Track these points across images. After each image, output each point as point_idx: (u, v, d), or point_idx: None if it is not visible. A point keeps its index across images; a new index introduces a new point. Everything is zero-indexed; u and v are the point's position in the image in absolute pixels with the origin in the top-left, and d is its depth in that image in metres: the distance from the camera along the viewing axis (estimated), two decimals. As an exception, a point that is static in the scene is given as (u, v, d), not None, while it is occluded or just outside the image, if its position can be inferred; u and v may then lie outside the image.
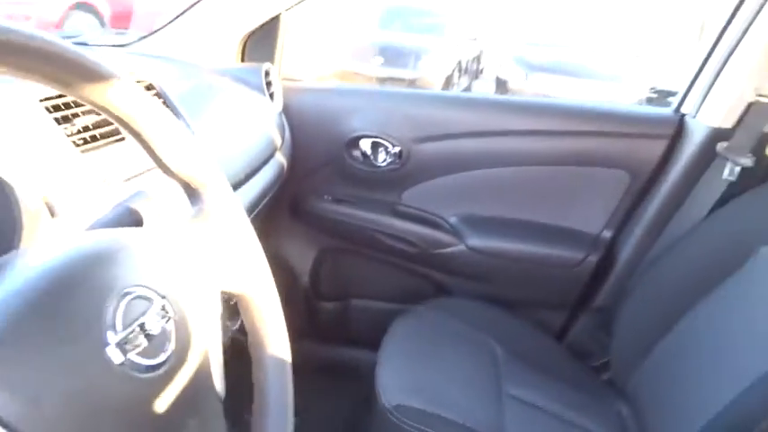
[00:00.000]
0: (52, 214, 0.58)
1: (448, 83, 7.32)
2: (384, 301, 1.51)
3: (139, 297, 0.36)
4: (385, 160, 1.37)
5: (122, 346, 0.34)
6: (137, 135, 0.45)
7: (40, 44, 0.35)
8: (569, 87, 6.84)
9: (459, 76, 8.02)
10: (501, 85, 7.44)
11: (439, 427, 0.93)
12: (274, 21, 1.31)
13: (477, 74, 9.89)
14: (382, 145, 1.36)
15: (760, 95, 1.15)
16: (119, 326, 0.34)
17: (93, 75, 0.39)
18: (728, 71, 1.19)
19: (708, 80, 1.23)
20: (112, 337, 0.33)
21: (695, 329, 1.07)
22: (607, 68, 7.01)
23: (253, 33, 1.30)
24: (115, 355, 0.33)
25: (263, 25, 1.29)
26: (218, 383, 0.45)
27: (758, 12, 1.13)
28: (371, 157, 1.37)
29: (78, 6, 5.73)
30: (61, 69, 0.37)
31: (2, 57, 0.33)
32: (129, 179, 0.66)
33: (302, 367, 0.93)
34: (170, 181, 0.67)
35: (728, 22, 1.21)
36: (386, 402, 0.97)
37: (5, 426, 0.28)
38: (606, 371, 1.31)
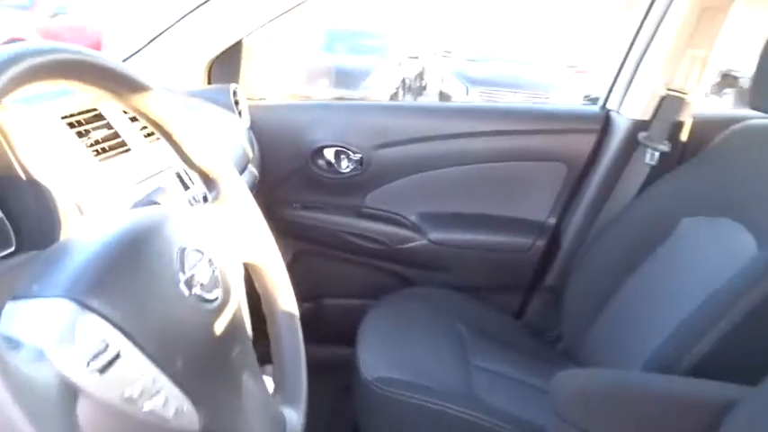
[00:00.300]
0: (81, 213, 0.67)
1: (393, 100, 7.52)
2: (355, 298, 1.61)
3: (194, 251, 0.47)
4: (348, 167, 1.49)
5: (189, 283, 0.45)
6: (168, 136, 0.56)
7: (105, 64, 0.46)
8: (508, 99, 7.14)
9: (404, 94, 8.26)
10: (444, 99, 7.70)
11: (416, 392, 1.05)
12: (237, 45, 1.42)
13: (421, 90, 10.18)
14: (344, 153, 1.48)
15: (670, 90, 1.33)
16: (186, 269, 0.45)
17: (140, 88, 0.50)
18: (643, 70, 1.37)
19: (626, 79, 1.41)
20: (182, 277, 0.44)
21: (632, 295, 1.23)
22: (543, 80, 7.36)
23: (217, 58, 1.40)
24: (185, 290, 0.44)
25: (226, 50, 1.40)
26: (248, 327, 0.56)
27: (663, 16, 1.32)
28: (335, 165, 1.49)
29: (11, 42, 5.69)
30: (118, 84, 0.49)
31: (76, 74, 0.45)
32: (139, 182, 0.76)
33: None
34: (174, 181, 0.78)
35: (640, 27, 1.40)
36: (367, 375, 1.08)
37: (120, 329, 0.38)
38: (559, 342, 1.46)
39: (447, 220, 1.52)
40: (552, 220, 1.52)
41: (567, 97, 7.01)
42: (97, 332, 0.37)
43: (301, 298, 1.66)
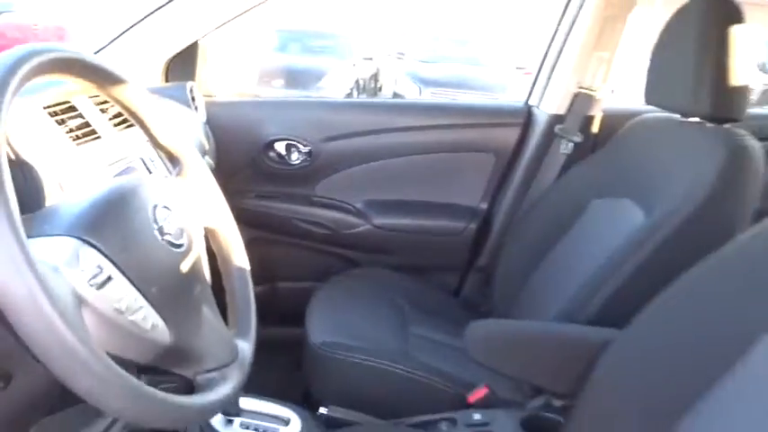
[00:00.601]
0: (62, 189, 0.79)
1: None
2: (306, 281, 1.74)
3: (163, 207, 0.60)
4: (298, 159, 1.62)
5: (161, 231, 0.58)
6: (140, 121, 0.69)
7: (94, 61, 0.59)
8: (461, 99, 7.35)
9: (358, 95, 8.40)
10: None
11: (358, 353, 1.19)
12: (193, 46, 1.53)
13: (375, 91, 10.34)
14: (294, 146, 1.61)
15: (581, 88, 1.52)
16: (158, 221, 0.58)
17: (119, 81, 0.63)
18: (558, 71, 1.56)
19: (545, 78, 1.59)
20: (155, 226, 0.58)
21: (550, 267, 1.40)
22: (494, 81, 7.61)
23: (174, 57, 1.51)
24: (158, 235, 0.57)
25: (182, 50, 1.51)
26: (207, 276, 0.69)
27: (573, 23, 1.50)
28: (286, 157, 1.62)
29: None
30: (102, 78, 0.61)
31: (71, 69, 0.57)
32: (110, 164, 0.88)
33: None
34: (139, 164, 0.90)
35: (555, 32, 1.58)
36: (314, 340, 1.22)
37: (110, 260, 0.51)
38: (491, 315, 1.62)
39: (389, 207, 1.67)
40: (484, 206, 1.69)
41: (515, 96, 7.27)
42: (94, 260, 0.50)
43: (256, 281, 1.79)
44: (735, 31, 1.11)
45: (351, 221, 1.67)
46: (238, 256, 0.78)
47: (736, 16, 1.12)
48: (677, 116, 1.25)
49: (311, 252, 1.73)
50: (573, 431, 0.91)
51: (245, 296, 0.75)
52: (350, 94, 7.80)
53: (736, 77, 1.12)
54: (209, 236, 0.77)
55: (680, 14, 1.18)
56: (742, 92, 1.13)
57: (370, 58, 9.44)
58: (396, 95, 8.08)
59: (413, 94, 7.65)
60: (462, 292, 1.76)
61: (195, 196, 0.74)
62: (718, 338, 0.78)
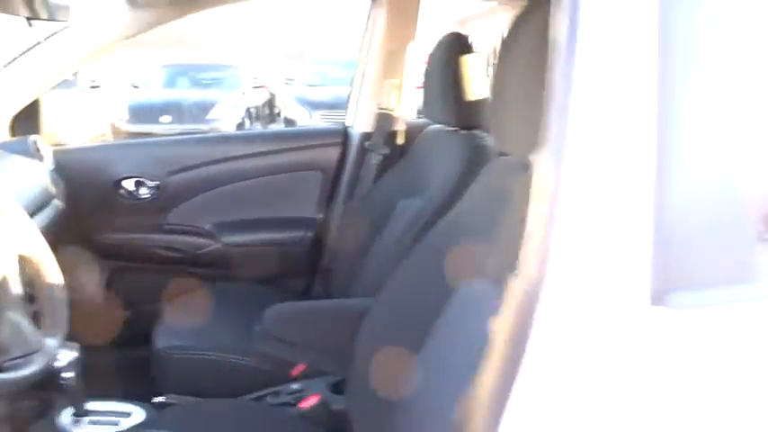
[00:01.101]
0: None
1: (240, 129, 7.79)
2: (165, 301, 1.92)
3: None
4: (146, 193, 1.82)
5: None
6: None
7: None
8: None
9: (251, 123, 8.56)
10: (290, 124, 8.10)
11: (199, 350, 1.41)
12: (35, 103, 1.70)
13: (272, 117, 10.52)
14: (142, 182, 1.81)
15: (380, 108, 1.82)
16: None
17: None
18: (362, 96, 1.85)
19: (354, 102, 1.88)
20: None
21: (369, 260, 1.67)
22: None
23: (18, 115, 1.67)
24: None
25: (25, 107, 1.67)
26: (16, 288, 0.89)
27: (366, 56, 1.79)
28: (135, 193, 1.81)
29: None
30: None
31: None
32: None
33: (102, 369, 1.32)
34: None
35: (358, 61, 1.87)
36: (158, 346, 1.42)
37: None
38: None
39: (235, 226, 1.89)
40: (319, 215, 1.95)
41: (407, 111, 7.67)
42: None
43: (122, 308, 1.95)
44: (467, 59, 1.43)
45: (201, 243, 1.87)
46: (50, 275, 0.98)
47: (467, 48, 1.44)
48: (446, 126, 1.56)
49: (168, 275, 1.91)
50: (350, 382, 1.17)
51: (54, 304, 0.95)
52: (242, 123, 7.95)
53: (472, 93, 1.44)
54: (24, 261, 0.97)
55: (435, 48, 1.49)
56: (479, 104, 1.46)
57: (261, 86, 9.63)
58: (287, 121, 8.31)
59: (303, 118, 7.91)
60: (310, 293, 2.00)
61: (7, 231, 0.94)
62: (434, 291, 1.06)
